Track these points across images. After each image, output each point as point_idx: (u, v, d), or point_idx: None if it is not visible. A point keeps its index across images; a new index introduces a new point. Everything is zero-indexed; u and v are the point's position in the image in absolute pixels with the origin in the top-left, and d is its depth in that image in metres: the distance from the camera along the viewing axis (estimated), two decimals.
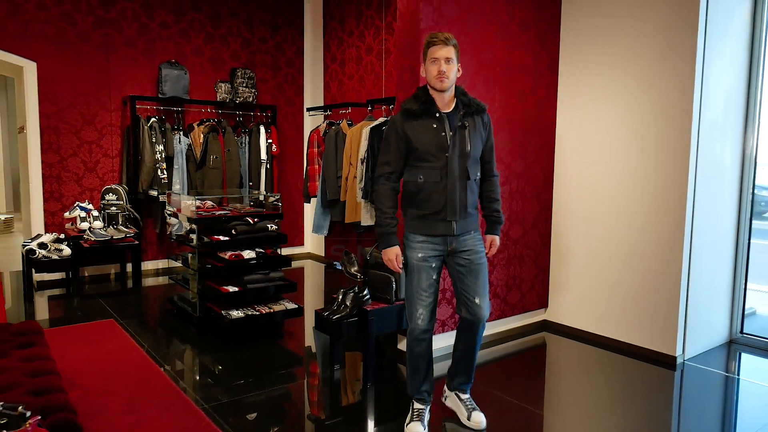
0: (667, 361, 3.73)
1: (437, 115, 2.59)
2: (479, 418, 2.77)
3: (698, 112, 3.62)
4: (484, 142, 2.71)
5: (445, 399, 2.97)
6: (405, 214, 2.71)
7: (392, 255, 2.64)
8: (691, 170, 3.62)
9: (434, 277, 2.66)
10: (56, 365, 2.38)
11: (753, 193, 4.12)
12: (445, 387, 2.97)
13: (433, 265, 2.65)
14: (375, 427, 2.90)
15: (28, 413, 1.56)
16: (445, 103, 2.62)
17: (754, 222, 4.17)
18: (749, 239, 4.13)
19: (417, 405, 2.76)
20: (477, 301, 2.67)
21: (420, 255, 2.63)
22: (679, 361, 3.73)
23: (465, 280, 2.68)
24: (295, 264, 6.65)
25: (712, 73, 3.68)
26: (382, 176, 2.66)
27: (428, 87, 2.62)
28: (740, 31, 3.89)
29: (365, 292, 3.36)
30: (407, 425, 2.71)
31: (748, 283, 4.21)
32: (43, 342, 2.65)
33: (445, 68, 2.52)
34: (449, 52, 2.54)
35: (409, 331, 2.68)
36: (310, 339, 4.25)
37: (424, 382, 2.75)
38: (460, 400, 2.87)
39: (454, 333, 2.91)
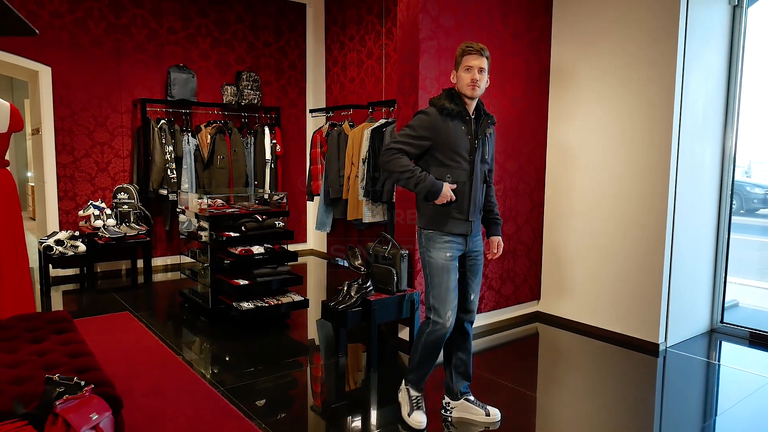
0: (650, 348, 4.00)
1: (467, 118, 2.71)
2: (496, 411, 2.90)
3: (679, 115, 3.88)
4: (492, 151, 2.89)
5: (451, 411, 2.96)
6: (425, 214, 2.77)
7: (447, 191, 2.63)
8: (672, 169, 3.88)
9: (458, 277, 2.78)
10: (90, 348, 2.63)
11: (732, 191, 4.38)
12: (448, 399, 2.98)
13: (457, 264, 2.76)
14: (378, 410, 3.13)
15: (83, 383, 1.81)
16: (472, 109, 2.75)
17: (746, 219, 4.40)
18: (729, 234, 4.39)
19: (414, 392, 2.87)
20: (472, 297, 2.87)
21: (449, 254, 2.71)
22: (661, 348, 3.99)
23: (467, 278, 2.84)
24: (298, 260, 6.90)
25: (692, 78, 3.94)
26: (393, 150, 2.66)
27: (457, 92, 2.72)
28: (719, 38, 4.15)
29: (368, 283, 3.62)
30: (409, 415, 2.81)
31: (728, 276, 4.47)
32: (74, 328, 2.89)
33: (478, 77, 2.64)
34: (483, 62, 2.65)
35: (431, 330, 2.74)
36: (314, 329, 4.50)
37: (428, 374, 2.88)
38: (471, 402, 2.93)
39: None
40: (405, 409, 2.87)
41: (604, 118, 4.24)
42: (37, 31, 2.85)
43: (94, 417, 1.69)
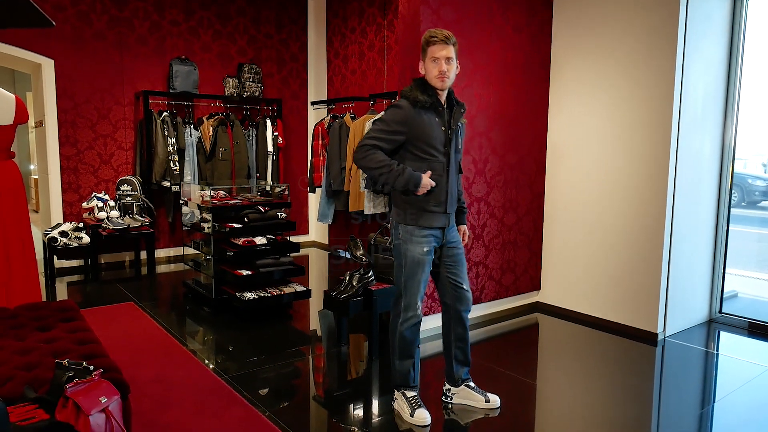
0: (648, 338, 4.04)
1: (440, 109, 2.68)
2: (496, 398, 2.92)
3: (678, 107, 3.90)
4: (463, 140, 2.88)
5: (452, 397, 2.98)
6: (402, 208, 2.73)
7: (426, 181, 2.61)
8: (671, 161, 3.91)
9: (430, 269, 2.80)
10: (97, 336, 2.67)
11: (732, 182, 4.41)
12: (448, 386, 3.00)
13: (432, 258, 2.77)
14: (380, 397, 3.18)
15: (92, 367, 1.85)
16: (443, 100, 2.71)
17: (746, 211, 4.42)
18: (728, 226, 4.43)
19: (410, 393, 2.83)
20: (465, 286, 2.88)
21: (425, 249, 2.71)
22: (660, 337, 4.03)
23: (453, 269, 2.84)
24: (300, 252, 6.95)
25: (692, 70, 3.96)
26: (367, 146, 2.61)
27: (428, 82, 2.66)
28: (720, 30, 4.17)
29: (370, 273, 3.66)
30: (412, 416, 2.75)
31: (728, 268, 4.51)
32: (81, 317, 2.94)
33: (446, 68, 2.58)
34: (450, 51, 2.58)
35: (403, 320, 2.75)
36: (316, 319, 4.55)
37: (412, 369, 2.84)
38: (471, 388, 2.95)
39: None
40: (406, 412, 2.80)
41: (603, 111, 4.27)
42: (54, 23, 2.88)
43: (104, 400, 1.74)
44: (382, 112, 2.72)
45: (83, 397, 1.70)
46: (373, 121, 2.77)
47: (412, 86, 2.69)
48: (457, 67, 2.70)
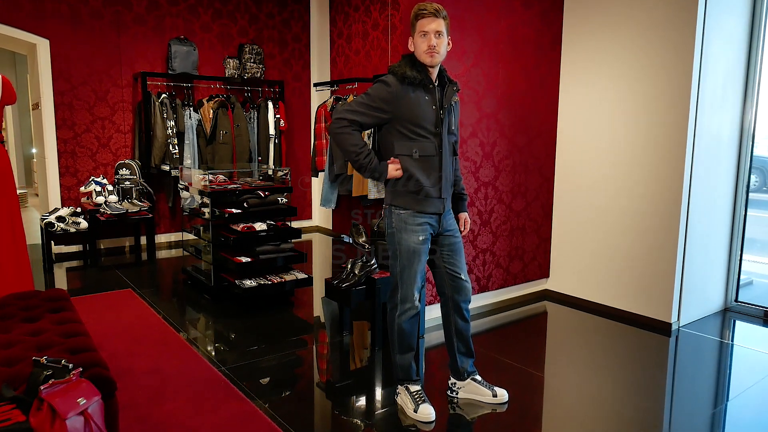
0: (662, 328, 3.89)
1: (430, 86, 2.52)
2: (504, 392, 2.79)
3: (697, 86, 3.71)
4: (457, 120, 2.72)
5: (458, 392, 2.85)
6: (395, 192, 2.58)
7: (393, 171, 2.53)
8: (689, 143, 3.73)
9: (427, 258, 2.66)
10: (86, 328, 2.56)
11: (750, 166, 4.22)
12: (454, 380, 2.86)
13: (428, 247, 2.62)
14: (383, 389, 3.06)
15: (71, 365, 1.73)
16: (434, 77, 2.55)
17: (765, 195, 4.25)
18: (746, 211, 4.25)
19: (413, 387, 2.71)
20: (463, 276, 2.72)
21: (421, 238, 2.56)
22: (674, 327, 3.89)
23: (451, 259, 2.69)
24: (303, 237, 6.82)
25: (712, 47, 3.76)
26: (345, 121, 2.48)
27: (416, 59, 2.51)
28: (741, 4, 3.95)
29: (373, 261, 3.52)
30: (416, 411, 2.62)
31: (744, 254, 4.34)
32: (71, 307, 2.82)
33: (435, 42, 2.42)
34: (440, 25, 2.43)
35: (400, 313, 2.62)
36: (319, 306, 4.43)
37: (414, 362, 2.72)
38: (478, 382, 2.81)
39: None
40: (409, 407, 2.66)
41: (617, 90, 4.08)
42: None
43: (82, 402, 1.61)
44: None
45: (59, 399, 1.57)
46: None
47: (401, 62, 2.53)
48: (449, 43, 2.53)
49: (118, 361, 3.15)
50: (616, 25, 4.04)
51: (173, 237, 6.49)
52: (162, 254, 6.06)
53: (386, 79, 2.50)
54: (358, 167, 2.54)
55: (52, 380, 1.62)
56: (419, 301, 2.66)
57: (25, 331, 2.46)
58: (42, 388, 1.58)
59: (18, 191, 9.23)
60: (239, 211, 4.30)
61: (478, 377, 2.85)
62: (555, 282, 4.64)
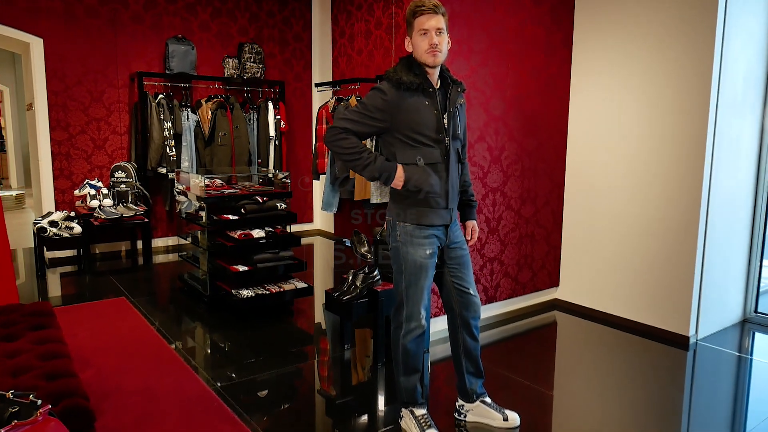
0: (679, 341, 3.70)
1: (430, 90, 2.34)
2: (515, 416, 2.61)
3: (716, 88, 3.52)
4: (464, 124, 2.53)
5: (466, 414, 2.66)
6: (400, 204, 2.41)
7: (402, 172, 2.33)
8: (708, 147, 3.54)
9: (434, 273, 2.48)
10: (68, 348, 2.39)
11: None
12: (462, 402, 2.68)
13: (435, 261, 2.43)
14: (386, 406, 2.90)
15: (39, 401, 1.56)
16: (435, 79, 2.37)
17: None
18: (766, 217, 4.06)
19: (419, 411, 2.52)
20: (472, 291, 2.54)
21: (428, 252, 2.39)
22: (692, 341, 3.70)
23: (458, 272, 2.52)
24: (304, 241, 6.65)
25: (732, 47, 3.57)
26: (339, 129, 2.31)
27: (416, 60, 2.34)
28: (761, 4, 3.76)
29: (375, 272, 3.35)
30: None
31: (764, 262, 4.15)
32: (55, 324, 2.66)
33: (437, 41, 2.25)
34: (440, 21, 2.26)
35: (405, 332, 2.44)
36: (320, 317, 4.25)
37: (420, 384, 2.54)
38: (487, 405, 2.63)
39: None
40: None
41: (631, 91, 3.89)
42: None
43: None
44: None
45: None
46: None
47: (397, 66, 2.35)
48: (449, 41, 2.35)
49: (105, 379, 2.98)
50: (630, 24, 3.85)
51: (170, 241, 6.32)
52: (159, 259, 5.90)
53: (380, 86, 2.34)
54: (361, 169, 2.33)
55: (15, 421, 1.45)
56: (426, 319, 2.48)
57: (2, 351, 2.30)
58: (2, 430, 1.41)
59: (16, 192, 9.03)
60: (236, 217, 4.12)
61: (488, 399, 2.67)
62: (565, 291, 4.45)
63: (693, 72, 3.55)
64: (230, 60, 6.34)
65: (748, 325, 4.10)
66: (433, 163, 2.36)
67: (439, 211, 2.40)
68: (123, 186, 5.62)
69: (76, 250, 5.63)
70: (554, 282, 4.44)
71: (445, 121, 2.36)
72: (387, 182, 2.34)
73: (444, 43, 2.30)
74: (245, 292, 3.97)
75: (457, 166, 2.47)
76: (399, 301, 2.48)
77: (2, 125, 12.69)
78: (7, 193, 9.58)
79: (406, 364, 2.49)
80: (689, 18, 3.54)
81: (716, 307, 3.87)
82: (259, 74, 6.47)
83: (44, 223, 5.10)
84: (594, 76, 4.11)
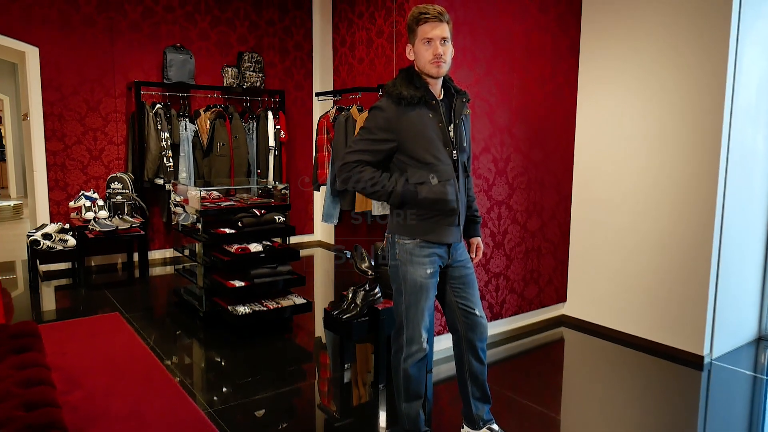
0: (693, 361, 3.55)
1: (433, 102, 2.22)
2: None
3: (731, 96, 3.39)
4: (469, 135, 2.40)
5: None
6: (405, 222, 2.28)
7: (426, 192, 2.20)
8: (722, 158, 3.40)
9: (435, 293, 2.35)
10: (50, 374, 2.26)
11: None
12: (467, 429, 2.53)
13: (436, 280, 2.31)
14: (387, 429, 2.76)
15: None
16: (437, 90, 2.25)
17: None
18: None
19: None
20: (478, 312, 2.40)
21: (429, 272, 2.27)
22: (706, 360, 3.55)
23: (462, 292, 2.39)
24: (304, 252, 6.53)
25: (746, 54, 3.45)
26: (351, 164, 2.19)
27: (417, 71, 2.23)
28: None
29: (376, 290, 3.21)
30: None
31: None
32: (38, 346, 2.53)
33: (441, 50, 2.13)
34: (444, 30, 2.14)
35: (406, 356, 2.31)
36: (320, 333, 4.12)
37: (422, 410, 2.41)
38: None
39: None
40: None
41: (641, 101, 3.76)
42: None
43: None
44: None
45: None
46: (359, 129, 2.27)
47: (396, 79, 2.22)
48: (452, 50, 2.23)
49: (92, 403, 2.84)
50: (639, 31, 3.73)
51: (168, 253, 6.20)
52: (156, 271, 5.77)
53: (379, 104, 2.21)
54: (387, 197, 2.19)
55: None
56: (427, 342, 2.34)
57: None
58: None
59: (14, 202, 8.92)
60: (233, 231, 4.00)
61: (495, 426, 2.52)
62: (572, 307, 4.31)
63: (706, 80, 3.42)
64: (229, 69, 6.24)
65: (763, 342, 3.95)
66: (447, 179, 2.22)
67: (451, 228, 2.28)
68: (119, 197, 5.50)
69: (70, 263, 5.52)
70: (561, 297, 4.30)
71: (451, 133, 2.24)
72: (415, 203, 2.21)
73: (449, 53, 2.19)
74: (242, 309, 3.84)
75: (465, 182, 2.35)
76: (399, 323, 2.35)
77: (2, 134, 12.63)
78: (5, 203, 9.48)
79: (407, 389, 2.36)
80: (701, 25, 3.42)
81: (731, 325, 3.73)
82: (258, 83, 6.37)
83: (38, 235, 4.99)
84: (602, 85, 3.98)
